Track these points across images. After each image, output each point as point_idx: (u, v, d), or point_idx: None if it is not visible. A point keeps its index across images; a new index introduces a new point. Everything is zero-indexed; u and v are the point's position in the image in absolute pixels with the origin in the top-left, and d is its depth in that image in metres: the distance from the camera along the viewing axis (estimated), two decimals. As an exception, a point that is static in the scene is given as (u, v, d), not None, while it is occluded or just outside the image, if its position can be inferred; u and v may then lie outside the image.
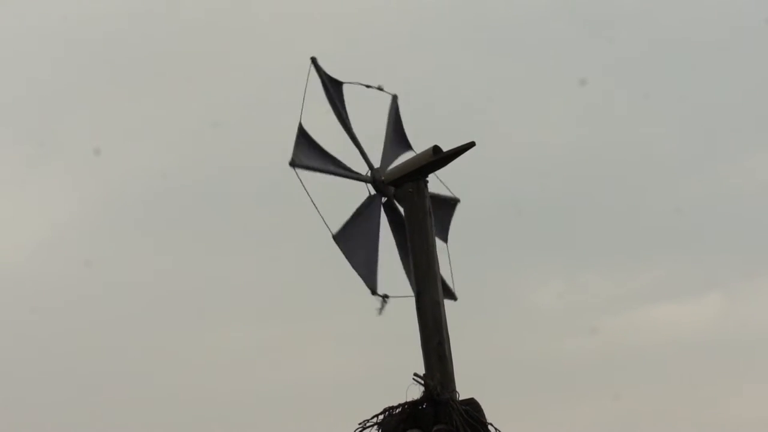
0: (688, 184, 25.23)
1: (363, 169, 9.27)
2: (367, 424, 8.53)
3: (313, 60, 9.28)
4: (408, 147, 9.77)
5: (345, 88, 9.41)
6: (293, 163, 8.83)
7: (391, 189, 9.20)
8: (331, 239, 8.86)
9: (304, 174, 8.84)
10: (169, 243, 24.14)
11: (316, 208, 8.78)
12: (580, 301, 23.44)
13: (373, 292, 8.96)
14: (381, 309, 8.92)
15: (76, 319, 23.07)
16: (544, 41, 24.51)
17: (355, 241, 8.95)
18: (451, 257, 9.54)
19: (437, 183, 9.50)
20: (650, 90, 24.20)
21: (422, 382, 8.51)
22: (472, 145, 8.94)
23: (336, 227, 8.91)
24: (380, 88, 9.76)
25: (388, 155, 9.44)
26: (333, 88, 9.32)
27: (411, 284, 9.12)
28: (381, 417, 8.53)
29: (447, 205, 9.78)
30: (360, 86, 9.53)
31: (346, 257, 8.89)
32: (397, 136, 9.69)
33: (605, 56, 24.45)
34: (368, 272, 8.97)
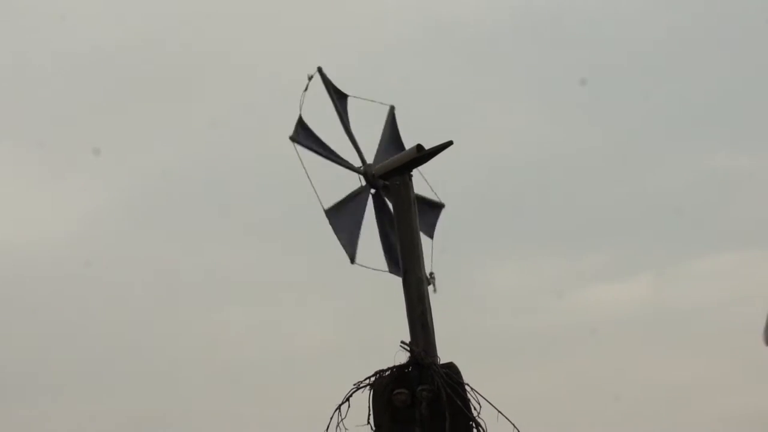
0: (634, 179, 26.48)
1: (357, 164, 10.41)
2: (361, 385, 9.53)
3: (320, 69, 10.33)
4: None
5: (349, 101, 10.53)
6: (294, 138, 10.01)
7: (380, 181, 10.36)
8: (323, 214, 10.08)
9: (305, 157, 10.01)
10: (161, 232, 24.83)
11: (311, 182, 9.96)
12: (531, 282, 24.71)
13: (352, 261, 10.13)
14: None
15: (74, 311, 23.95)
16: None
17: (342, 217, 10.15)
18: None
19: (423, 185, 10.70)
20: (614, 85, 25.33)
21: (408, 348, 9.52)
22: (450, 143, 10.06)
23: (328, 205, 10.14)
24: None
25: (381, 157, 10.52)
26: (338, 100, 10.44)
27: (387, 262, 10.33)
28: (372, 379, 9.51)
29: (433, 208, 10.90)
30: (360, 102, 10.59)
31: (333, 229, 10.07)
32: (391, 143, 10.74)
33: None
34: (350, 244, 10.15)
